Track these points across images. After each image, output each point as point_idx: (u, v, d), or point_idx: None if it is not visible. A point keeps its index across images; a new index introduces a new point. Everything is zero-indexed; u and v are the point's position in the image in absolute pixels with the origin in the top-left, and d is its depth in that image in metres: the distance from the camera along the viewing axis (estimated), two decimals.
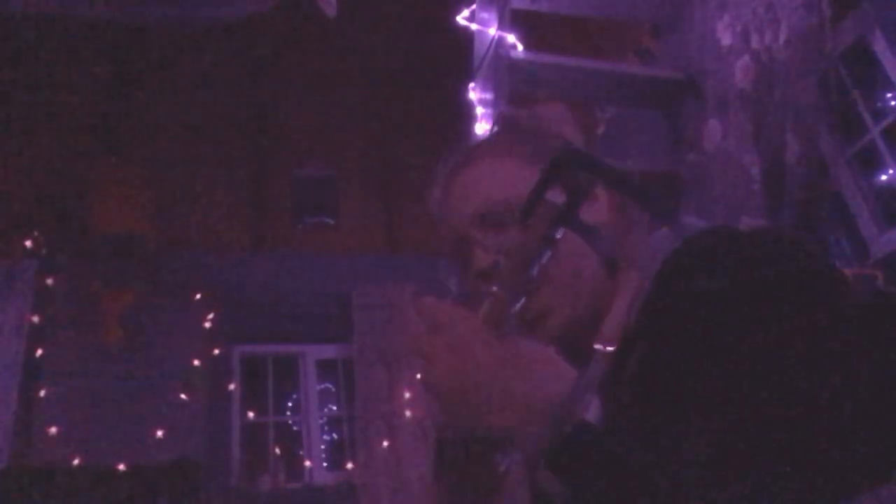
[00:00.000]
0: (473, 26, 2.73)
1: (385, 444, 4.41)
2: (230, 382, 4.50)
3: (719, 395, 0.54)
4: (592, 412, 0.56)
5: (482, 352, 0.59)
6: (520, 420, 0.57)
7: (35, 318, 4.07)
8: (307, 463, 4.62)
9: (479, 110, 2.91)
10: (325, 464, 4.77)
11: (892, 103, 2.46)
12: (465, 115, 3.06)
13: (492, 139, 0.88)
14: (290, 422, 5.00)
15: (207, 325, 4.40)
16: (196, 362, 4.30)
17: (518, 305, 0.61)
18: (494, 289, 0.61)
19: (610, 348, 0.69)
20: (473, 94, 2.87)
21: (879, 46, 2.37)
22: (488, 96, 2.78)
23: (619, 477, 0.52)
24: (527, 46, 2.67)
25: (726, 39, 2.48)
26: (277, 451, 4.61)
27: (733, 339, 0.55)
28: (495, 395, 0.58)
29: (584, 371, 0.74)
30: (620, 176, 0.71)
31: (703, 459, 0.52)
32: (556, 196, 0.62)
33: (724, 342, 0.55)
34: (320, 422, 4.84)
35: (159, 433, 4.07)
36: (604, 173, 0.66)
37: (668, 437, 0.55)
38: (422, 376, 0.62)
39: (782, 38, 2.25)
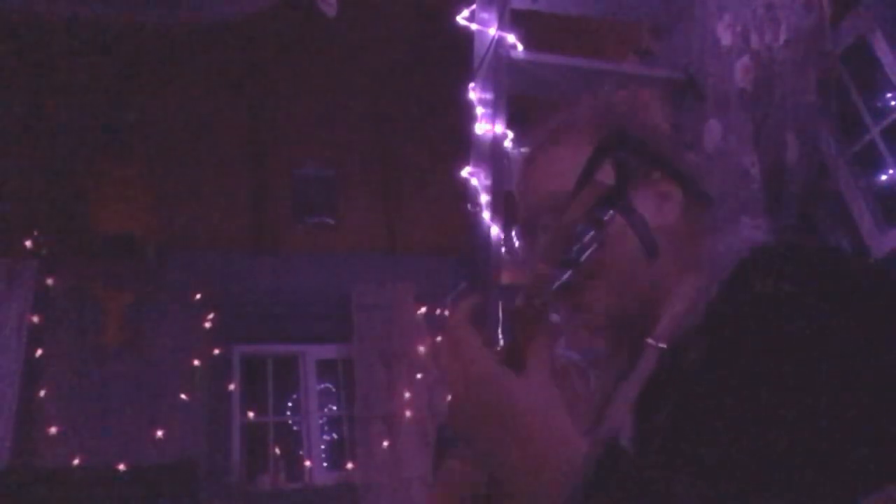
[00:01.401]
0: (473, 26, 2.73)
1: (385, 444, 4.41)
2: (230, 382, 4.50)
3: (772, 400, 0.54)
4: (625, 432, 0.55)
5: (494, 396, 0.58)
6: (529, 479, 0.56)
7: (35, 318, 4.07)
8: (307, 463, 4.62)
9: (479, 110, 2.91)
10: (325, 464, 4.77)
11: (892, 103, 2.46)
12: (465, 114, 3.06)
13: (580, 121, 0.85)
14: (290, 422, 5.00)
15: (207, 325, 4.40)
16: (196, 362, 4.30)
17: (558, 283, 0.60)
18: (539, 266, 0.60)
19: (661, 345, 0.69)
20: (473, 94, 2.87)
21: (879, 46, 2.37)
22: (488, 96, 2.78)
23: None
24: (527, 46, 2.67)
25: (726, 39, 2.48)
26: (277, 451, 4.61)
27: (794, 346, 0.55)
28: (505, 444, 0.57)
29: (628, 363, 0.75)
30: (668, 160, 0.72)
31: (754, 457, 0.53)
32: (608, 177, 0.62)
33: (784, 347, 0.56)
34: (320, 422, 4.84)
35: (159, 433, 4.07)
36: (653, 157, 0.66)
37: (708, 453, 0.55)
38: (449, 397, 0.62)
39: (782, 38, 2.25)
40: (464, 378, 0.59)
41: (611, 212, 0.61)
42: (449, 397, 0.61)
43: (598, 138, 0.71)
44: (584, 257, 0.60)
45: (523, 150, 0.86)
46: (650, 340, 0.71)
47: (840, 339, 0.55)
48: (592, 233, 0.61)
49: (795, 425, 0.53)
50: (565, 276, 0.60)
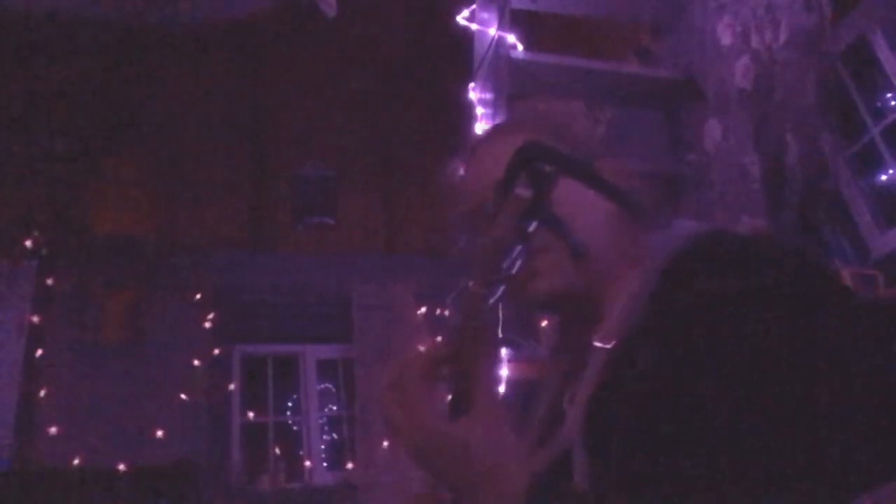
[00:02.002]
0: (473, 26, 2.73)
1: (385, 444, 4.41)
2: (230, 382, 4.50)
3: (727, 399, 0.54)
4: (579, 471, 0.55)
5: (438, 433, 0.58)
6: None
7: (35, 318, 4.07)
8: (307, 463, 4.62)
9: (479, 110, 2.91)
10: (325, 464, 4.77)
11: (892, 103, 2.47)
12: (465, 114, 3.06)
13: (523, 119, 0.87)
14: (290, 422, 5.00)
15: (207, 325, 4.40)
16: (196, 362, 4.30)
17: (493, 299, 0.60)
18: (470, 283, 0.60)
19: (606, 345, 0.69)
20: (473, 94, 2.87)
21: (879, 46, 2.37)
22: (488, 96, 2.78)
23: None
24: (527, 46, 2.67)
25: (726, 39, 2.48)
26: (277, 451, 4.61)
27: (739, 342, 0.55)
28: (452, 481, 0.58)
29: (580, 366, 0.74)
30: (587, 169, 0.72)
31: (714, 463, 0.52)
32: (526, 190, 0.62)
33: (729, 344, 0.55)
34: (320, 422, 4.84)
35: (159, 433, 4.07)
36: (570, 167, 0.66)
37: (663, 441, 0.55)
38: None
39: (782, 38, 2.25)
40: (417, 433, 0.59)
41: (535, 223, 0.61)
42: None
43: (534, 131, 0.72)
44: (513, 271, 0.61)
45: (458, 163, 0.87)
46: (596, 342, 0.71)
47: (777, 340, 0.54)
48: (519, 247, 0.61)
49: (748, 430, 0.52)
50: (499, 293, 0.60)
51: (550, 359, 0.85)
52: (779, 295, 0.57)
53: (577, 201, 0.72)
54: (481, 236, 0.73)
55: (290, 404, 5.05)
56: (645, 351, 0.62)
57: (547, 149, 0.64)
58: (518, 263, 0.61)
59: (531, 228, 0.62)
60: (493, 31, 2.61)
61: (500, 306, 0.61)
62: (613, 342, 0.68)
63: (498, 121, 0.91)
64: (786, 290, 0.57)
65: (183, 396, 4.19)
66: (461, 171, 0.85)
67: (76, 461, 3.86)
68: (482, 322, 0.58)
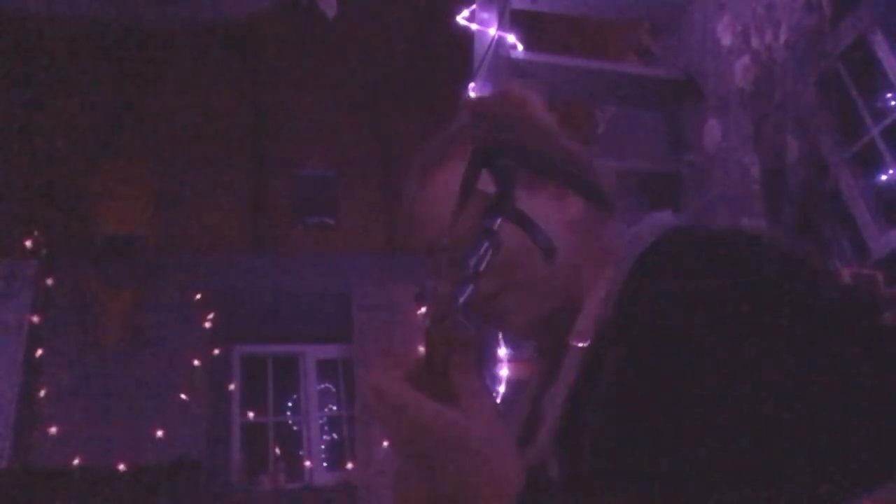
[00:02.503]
0: (473, 26, 2.73)
1: (385, 444, 4.41)
2: (230, 382, 4.50)
3: (705, 398, 0.53)
4: (552, 471, 0.55)
5: (428, 431, 0.56)
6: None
7: (35, 318, 4.07)
8: (307, 463, 4.62)
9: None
10: (325, 464, 4.77)
11: (892, 103, 2.46)
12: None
13: (460, 134, 0.82)
14: (290, 422, 5.00)
15: (207, 325, 4.40)
16: (196, 362, 4.30)
17: (462, 298, 0.58)
18: (436, 286, 0.59)
19: (582, 344, 0.69)
20: (473, 94, 2.87)
21: (879, 46, 2.37)
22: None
23: None
24: (527, 46, 2.67)
25: (726, 39, 2.48)
26: (277, 451, 4.61)
27: (712, 341, 0.55)
28: (449, 480, 0.56)
29: (551, 365, 0.74)
30: (547, 163, 0.71)
31: (698, 462, 0.52)
32: (489, 185, 0.61)
33: (702, 344, 0.55)
34: (320, 422, 4.84)
35: (159, 433, 4.07)
36: (530, 161, 0.65)
37: (645, 420, 0.55)
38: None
39: (782, 38, 2.25)
40: (407, 430, 0.57)
41: (499, 220, 0.61)
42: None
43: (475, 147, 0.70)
44: (482, 268, 0.60)
45: (411, 177, 0.82)
46: (571, 341, 0.70)
47: (749, 337, 0.54)
48: (486, 244, 0.60)
49: (725, 427, 0.52)
50: (468, 292, 0.59)
51: (535, 360, 0.85)
52: (746, 291, 0.56)
53: (531, 211, 0.69)
54: (439, 266, 0.73)
55: (290, 404, 5.05)
56: (613, 351, 0.62)
57: (503, 146, 0.64)
58: (485, 261, 0.60)
59: (496, 225, 0.61)
60: (493, 31, 2.62)
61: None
62: (587, 341, 0.68)
63: (442, 133, 0.85)
64: (753, 286, 0.57)
65: (183, 396, 4.19)
66: (413, 195, 0.81)
67: (76, 461, 3.86)
68: (452, 324, 0.56)
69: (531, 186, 0.72)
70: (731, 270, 0.58)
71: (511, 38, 2.63)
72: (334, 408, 4.99)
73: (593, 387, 0.62)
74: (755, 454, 0.51)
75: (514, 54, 2.61)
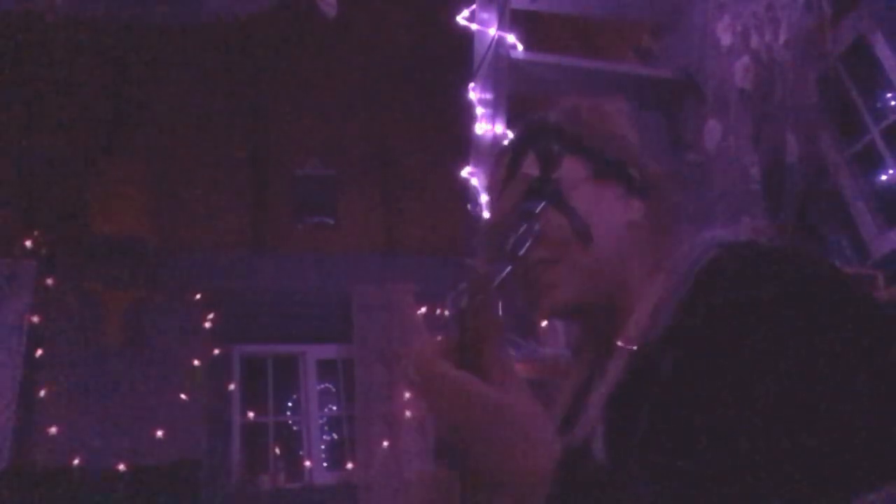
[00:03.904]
0: (473, 26, 2.73)
1: (385, 444, 4.41)
2: (230, 382, 4.50)
3: (755, 406, 0.54)
4: (597, 439, 0.55)
5: (472, 404, 0.56)
6: (505, 474, 0.55)
7: (35, 318, 4.07)
8: (307, 463, 4.62)
9: (479, 110, 2.91)
10: (325, 464, 4.77)
11: (892, 103, 2.46)
12: (465, 115, 3.06)
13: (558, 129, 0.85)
14: (290, 422, 5.00)
15: (207, 325, 4.40)
16: (196, 362, 4.30)
17: (499, 278, 0.59)
18: (473, 262, 0.59)
19: (631, 347, 0.69)
20: (473, 94, 2.88)
21: (879, 46, 2.37)
22: (488, 96, 2.78)
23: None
24: (527, 46, 2.67)
25: (726, 39, 2.48)
26: (277, 451, 4.61)
27: (764, 353, 0.55)
28: (481, 451, 0.56)
29: (601, 366, 0.74)
30: (590, 146, 0.72)
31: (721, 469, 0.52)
32: (532, 168, 0.61)
33: (754, 354, 0.56)
34: (320, 422, 4.84)
35: (159, 433, 4.07)
36: (576, 145, 0.65)
37: (680, 447, 0.55)
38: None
39: (782, 38, 2.25)
40: (446, 404, 0.57)
41: (541, 203, 0.60)
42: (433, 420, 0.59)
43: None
44: (521, 251, 0.59)
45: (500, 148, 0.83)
46: (620, 343, 0.70)
47: (805, 348, 0.54)
48: (526, 226, 0.60)
49: (770, 434, 0.52)
50: (505, 272, 0.59)
51: (572, 359, 0.85)
52: (803, 307, 0.57)
53: (595, 209, 0.71)
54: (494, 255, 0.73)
55: (290, 404, 5.05)
56: (668, 356, 0.62)
57: (554, 127, 0.64)
58: (526, 244, 0.60)
59: (538, 209, 0.61)
60: (493, 31, 2.62)
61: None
62: (636, 345, 0.68)
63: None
64: (811, 302, 0.57)
65: (183, 396, 4.19)
66: (492, 180, 0.81)
67: (76, 461, 3.86)
68: (487, 303, 0.57)
69: (599, 182, 0.73)
70: (783, 286, 0.59)
71: (511, 38, 2.63)
72: (334, 408, 4.99)
73: (641, 389, 0.63)
74: (754, 459, 0.52)
75: (514, 54, 2.61)
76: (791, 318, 0.56)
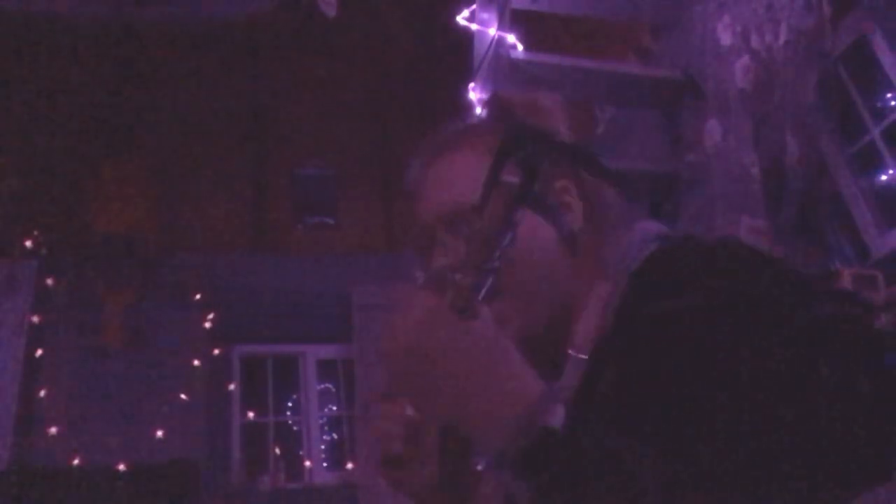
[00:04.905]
0: (473, 26, 2.73)
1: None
2: (230, 382, 4.50)
3: (702, 407, 0.53)
4: (556, 418, 0.55)
5: (444, 336, 0.56)
6: (486, 420, 0.55)
7: (35, 318, 4.07)
8: (307, 463, 4.62)
9: (479, 110, 2.90)
10: (325, 464, 4.77)
11: (892, 103, 2.46)
12: (465, 115, 3.06)
13: (479, 127, 0.83)
14: (290, 422, 5.00)
15: (207, 325, 4.40)
16: (196, 362, 4.30)
17: (484, 290, 0.59)
18: (457, 276, 0.58)
19: (582, 355, 0.68)
20: (473, 94, 2.88)
21: (879, 46, 2.37)
22: (488, 96, 2.77)
23: (587, 473, 0.51)
24: (527, 46, 2.67)
25: (726, 39, 2.48)
26: (277, 451, 4.61)
27: (714, 354, 0.54)
28: (459, 388, 0.56)
29: (557, 377, 0.74)
30: (571, 148, 0.71)
31: (704, 463, 0.52)
32: (513, 176, 0.61)
33: (704, 357, 0.55)
34: (320, 422, 4.84)
35: (159, 433, 4.07)
36: (555, 147, 0.65)
37: (646, 426, 0.54)
38: (379, 349, 0.60)
39: (782, 38, 2.25)
40: (413, 328, 0.58)
41: (522, 210, 0.60)
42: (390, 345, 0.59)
43: (496, 141, 0.70)
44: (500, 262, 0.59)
45: (417, 159, 0.82)
46: (571, 352, 0.70)
47: (740, 353, 0.53)
48: (510, 235, 0.60)
49: (724, 438, 0.52)
50: (488, 283, 0.59)
51: None
52: (739, 302, 0.56)
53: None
54: (431, 258, 0.73)
55: (290, 404, 5.05)
56: (612, 364, 0.62)
57: (532, 132, 0.63)
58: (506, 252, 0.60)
59: (518, 216, 0.61)
60: (493, 31, 2.62)
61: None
62: (586, 354, 0.68)
63: (459, 122, 0.85)
64: (749, 300, 0.56)
65: (183, 396, 4.19)
66: (415, 175, 0.81)
67: (76, 461, 3.86)
68: (472, 315, 0.56)
69: (546, 180, 0.71)
70: (724, 282, 0.58)
71: (511, 38, 2.63)
72: (334, 408, 4.99)
73: (591, 398, 0.63)
74: (754, 460, 0.51)
75: (514, 54, 2.61)
76: (728, 317, 0.55)
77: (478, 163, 0.72)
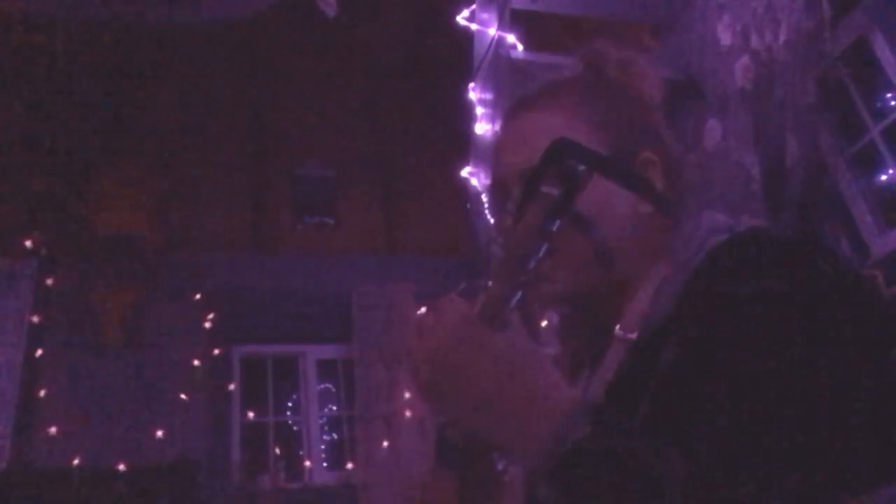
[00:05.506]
0: (473, 26, 2.73)
1: (385, 444, 4.41)
2: (230, 382, 4.50)
3: (756, 398, 0.53)
4: (593, 391, 0.54)
5: (473, 351, 0.57)
6: (516, 432, 0.56)
7: (35, 318, 4.07)
8: (307, 463, 4.61)
9: (479, 110, 2.91)
10: (325, 464, 4.77)
11: (892, 103, 2.46)
12: (464, 115, 3.06)
13: (566, 85, 0.82)
14: (290, 422, 5.00)
15: (207, 325, 4.40)
16: (196, 362, 4.30)
17: (514, 301, 0.59)
18: (489, 284, 0.59)
19: (630, 335, 0.68)
20: (473, 94, 2.88)
21: (879, 46, 2.37)
22: (488, 96, 2.78)
23: (621, 479, 0.51)
24: (527, 46, 2.67)
25: (726, 39, 2.48)
26: (277, 451, 4.61)
27: (766, 344, 0.54)
28: (489, 399, 0.56)
29: (589, 350, 0.74)
30: (617, 165, 0.70)
31: (716, 459, 0.52)
32: (552, 188, 0.61)
33: (763, 346, 0.55)
34: (320, 422, 4.83)
35: (159, 433, 4.06)
36: (600, 163, 0.65)
37: (681, 435, 0.54)
38: (410, 374, 0.60)
39: (782, 38, 2.25)
40: (445, 335, 0.58)
41: (558, 223, 0.60)
42: (423, 356, 0.59)
43: (586, 111, 0.70)
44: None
45: (503, 112, 0.83)
46: (618, 331, 0.70)
47: (806, 344, 0.54)
48: (546, 247, 0.60)
49: (775, 424, 0.52)
50: (519, 296, 0.59)
51: (561, 347, 0.84)
52: (805, 302, 0.56)
53: (604, 198, 0.70)
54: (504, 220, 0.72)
55: (290, 404, 5.05)
56: (669, 347, 0.61)
57: (577, 147, 0.63)
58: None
59: (555, 227, 0.60)
60: (493, 31, 2.62)
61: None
62: (636, 334, 0.68)
63: (540, 81, 0.85)
64: (817, 294, 0.56)
65: (183, 396, 4.19)
66: (498, 129, 0.81)
67: (76, 461, 3.85)
68: (501, 325, 0.57)
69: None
70: (785, 280, 0.58)
71: (511, 38, 2.63)
72: (334, 408, 4.99)
73: (639, 378, 0.62)
74: (797, 459, 0.51)
75: (514, 54, 2.61)
76: (792, 313, 0.55)
77: (556, 124, 0.73)
